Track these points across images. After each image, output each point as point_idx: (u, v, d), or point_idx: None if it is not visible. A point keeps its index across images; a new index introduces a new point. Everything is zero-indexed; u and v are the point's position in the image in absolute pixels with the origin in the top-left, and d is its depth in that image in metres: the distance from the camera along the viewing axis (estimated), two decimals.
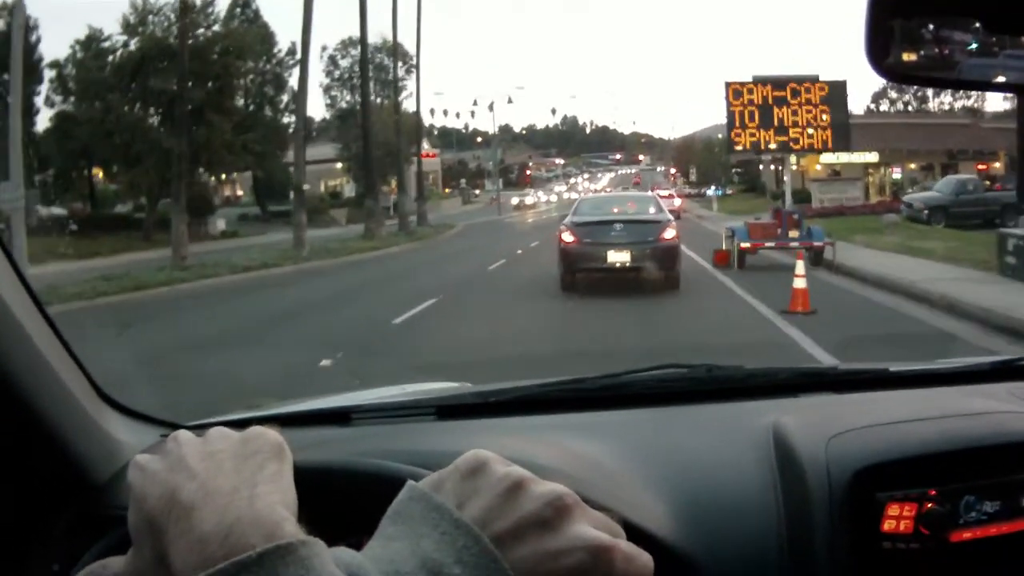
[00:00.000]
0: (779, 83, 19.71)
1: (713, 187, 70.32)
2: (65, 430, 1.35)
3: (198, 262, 22.57)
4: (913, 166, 49.35)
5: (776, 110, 19.45)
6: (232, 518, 0.70)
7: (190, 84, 30.52)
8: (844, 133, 20.28)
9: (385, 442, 1.44)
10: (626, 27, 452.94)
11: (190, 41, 31.15)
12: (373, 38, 56.86)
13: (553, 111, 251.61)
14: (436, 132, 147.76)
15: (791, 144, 19.95)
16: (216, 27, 36.81)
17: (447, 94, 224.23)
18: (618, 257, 14.89)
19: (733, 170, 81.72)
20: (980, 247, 17.85)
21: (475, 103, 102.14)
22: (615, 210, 16.47)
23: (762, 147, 20.44)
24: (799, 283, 12.08)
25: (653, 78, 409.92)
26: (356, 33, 64.00)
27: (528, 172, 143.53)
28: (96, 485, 1.42)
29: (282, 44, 52.25)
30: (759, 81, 19.95)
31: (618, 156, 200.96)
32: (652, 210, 16.53)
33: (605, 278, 15.23)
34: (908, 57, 1.34)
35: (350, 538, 0.87)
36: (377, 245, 29.92)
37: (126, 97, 34.32)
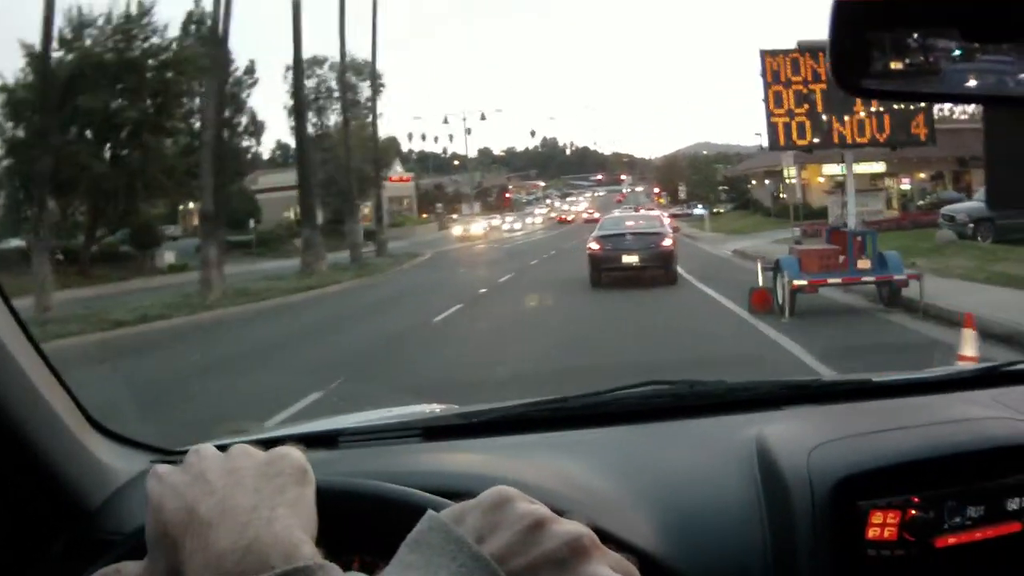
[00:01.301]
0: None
1: (700, 206, 66.85)
2: (56, 457, 1.38)
3: (67, 314, 18.01)
4: (923, 175, 45.91)
5: (831, 91, 12.69)
6: (250, 537, 0.72)
7: (122, 102, 26.87)
8: (927, 123, 13.66)
9: (372, 464, 1.42)
10: (605, 48, 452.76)
11: (123, 55, 27.63)
12: (335, 55, 53.89)
13: (532, 133, 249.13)
14: (415, 156, 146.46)
15: (856, 138, 13.46)
16: (155, 39, 32.74)
17: (425, 118, 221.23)
18: (630, 259, 19.99)
19: (720, 188, 79.64)
20: None
21: (445, 120, 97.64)
22: (628, 225, 21.75)
23: (815, 141, 13.56)
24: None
25: (633, 98, 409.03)
26: (322, 52, 62.03)
27: (507, 195, 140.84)
28: (88, 511, 1.45)
29: (240, 63, 48.91)
30: (807, 49, 13.35)
31: (599, 176, 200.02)
32: (654, 225, 21.90)
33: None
34: (877, 70, 1.27)
35: (364, 559, 0.91)
36: (312, 284, 25.32)
37: (53, 119, 30.44)
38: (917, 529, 1.33)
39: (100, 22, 31.13)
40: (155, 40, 32.12)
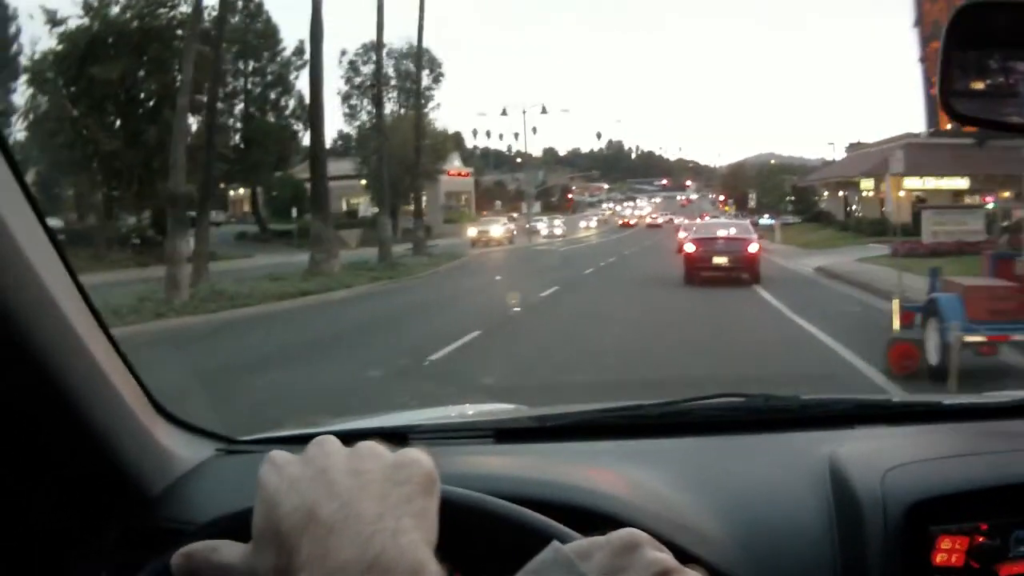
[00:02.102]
0: None
1: (767, 216, 63.44)
2: (120, 441, 1.37)
3: None
4: (1007, 194, 42.01)
5: None
6: (376, 550, 0.68)
7: (142, 74, 24.61)
8: None
9: (444, 464, 1.16)
10: (675, 54, 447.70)
11: (146, 20, 25.40)
12: (399, 43, 51.63)
13: (599, 135, 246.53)
14: (479, 153, 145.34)
15: None
16: (183, 7, 29.88)
17: (492, 116, 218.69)
18: (720, 260, 22.01)
19: (787, 199, 76.81)
20: None
21: (504, 112, 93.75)
22: (719, 230, 24.22)
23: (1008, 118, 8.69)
24: None
25: (700, 105, 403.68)
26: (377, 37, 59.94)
27: (570, 196, 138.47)
28: (149, 498, 1.45)
29: (288, 43, 46.93)
30: None
31: (664, 182, 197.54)
32: (742, 232, 24.24)
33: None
34: (982, 100, 1.31)
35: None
36: (310, 288, 21.24)
37: (68, 92, 28.33)
38: (983, 556, 1.33)
39: None
40: (183, 8, 29.49)
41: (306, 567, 0.68)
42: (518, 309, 16.99)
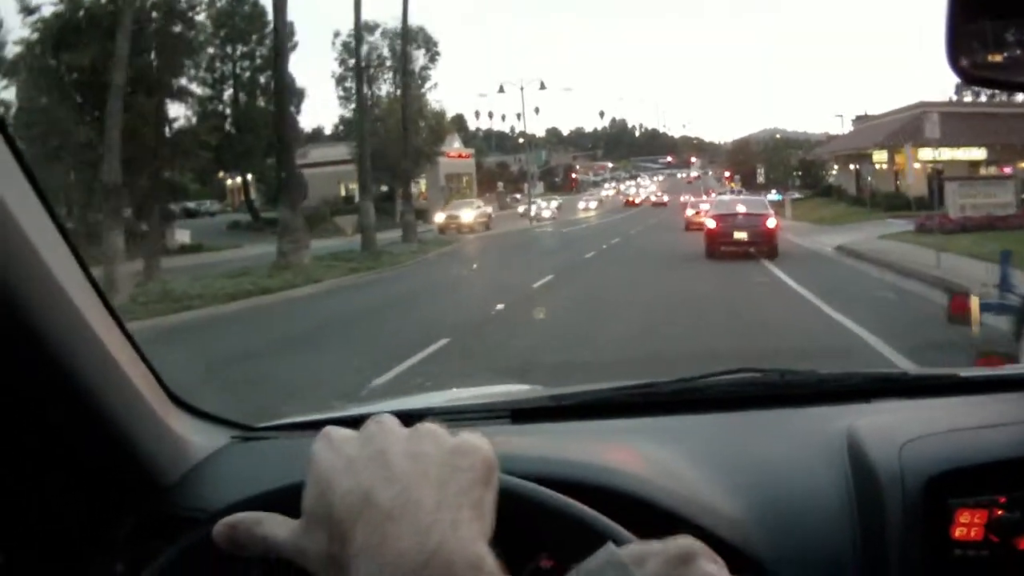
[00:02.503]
0: None
1: (775, 191, 61.98)
2: (134, 429, 1.38)
3: None
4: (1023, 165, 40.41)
5: None
6: (435, 542, 0.66)
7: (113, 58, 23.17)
8: None
9: None
10: (676, 30, 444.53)
11: (118, 4, 23.98)
12: (393, 22, 50.16)
13: (601, 114, 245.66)
14: (481, 134, 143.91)
15: None
16: None
17: (493, 96, 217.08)
18: (740, 235, 23.05)
19: (795, 173, 75.85)
20: None
21: (501, 89, 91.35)
22: (737, 206, 25.32)
23: None
24: None
25: (703, 82, 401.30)
26: (374, 17, 58.41)
27: (574, 175, 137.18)
28: (164, 486, 1.45)
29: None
30: None
31: (669, 159, 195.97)
32: (759, 208, 25.12)
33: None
34: (992, 59, 1.32)
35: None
36: (271, 285, 18.92)
37: (40, 82, 26.88)
38: (1002, 529, 1.31)
39: None
40: None
41: (360, 555, 0.66)
42: (502, 307, 14.93)
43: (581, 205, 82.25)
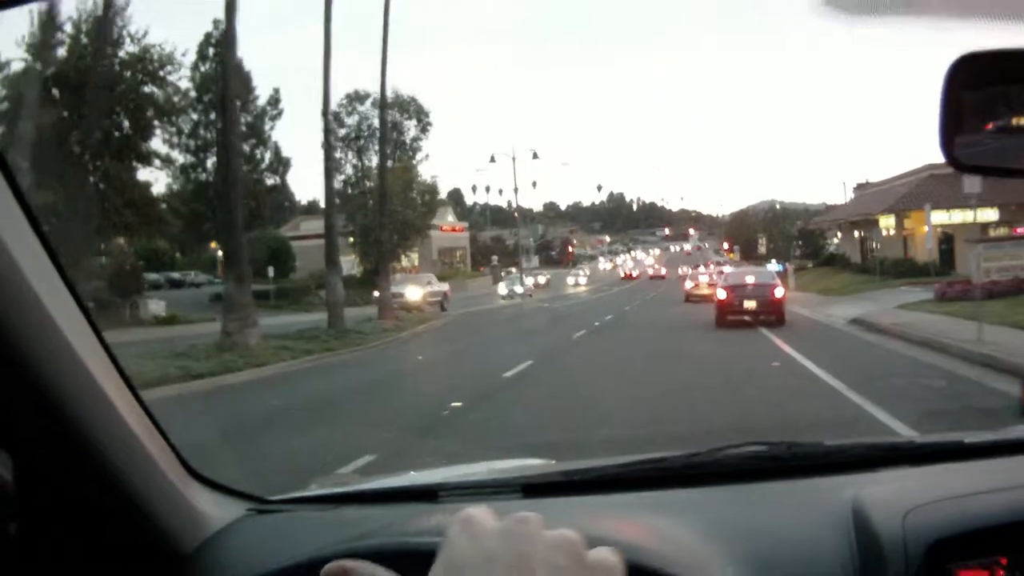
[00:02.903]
0: None
1: (774, 261, 60.51)
2: (151, 502, 1.37)
3: None
4: None
5: None
6: None
7: (77, 121, 21.78)
8: None
9: None
10: (674, 107, 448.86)
11: (87, 62, 22.65)
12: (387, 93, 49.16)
13: (599, 188, 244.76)
14: (478, 209, 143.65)
15: None
16: (130, 47, 26.59)
17: (489, 171, 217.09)
18: (750, 304, 24.43)
19: (795, 242, 75.14)
20: None
21: (492, 159, 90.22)
22: (746, 278, 26.30)
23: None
24: None
25: (700, 157, 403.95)
26: (363, 87, 57.52)
27: (571, 249, 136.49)
28: (180, 556, 1.45)
29: (262, 92, 44.26)
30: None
31: (667, 231, 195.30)
32: (767, 278, 26.55)
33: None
34: (985, 147, 1.32)
35: None
36: (205, 370, 16.61)
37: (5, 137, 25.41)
38: None
39: (68, 27, 25.87)
40: (131, 48, 26.35)
41: None
42: (458, 404, 12.13)
43: (570, 280, 78.79)
